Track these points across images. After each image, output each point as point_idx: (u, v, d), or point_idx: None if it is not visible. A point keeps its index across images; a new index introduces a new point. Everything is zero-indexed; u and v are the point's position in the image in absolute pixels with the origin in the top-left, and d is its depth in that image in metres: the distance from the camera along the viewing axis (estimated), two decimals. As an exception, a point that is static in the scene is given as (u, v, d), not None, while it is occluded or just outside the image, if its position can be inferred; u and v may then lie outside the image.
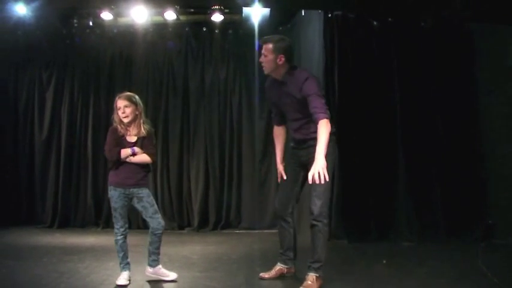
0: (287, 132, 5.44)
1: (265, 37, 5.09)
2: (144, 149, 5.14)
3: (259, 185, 9.37)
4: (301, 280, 4.94)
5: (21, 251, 7.07)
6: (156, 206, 5.21)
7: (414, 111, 8.06)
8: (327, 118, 4.68)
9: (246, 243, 7.93)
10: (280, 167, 5.31)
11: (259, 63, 5.14)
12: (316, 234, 4.90)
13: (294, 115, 5.05)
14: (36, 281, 5.24)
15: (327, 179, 4.47)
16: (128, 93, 5.26)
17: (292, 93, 4.93)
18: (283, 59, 4.95)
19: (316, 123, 4.69)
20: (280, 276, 5.26)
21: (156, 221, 5.14)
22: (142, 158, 5.13)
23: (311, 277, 4.86)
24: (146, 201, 5.13)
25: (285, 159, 5.38)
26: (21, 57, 9.73)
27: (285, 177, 5.25)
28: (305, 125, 4.98)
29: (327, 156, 4.59)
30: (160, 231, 5.15)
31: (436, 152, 8.05)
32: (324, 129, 4.63)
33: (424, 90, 8.11)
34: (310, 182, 4.51)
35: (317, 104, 4.74)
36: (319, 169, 4.42)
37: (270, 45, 4.95)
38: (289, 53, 5.02)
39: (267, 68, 5.03)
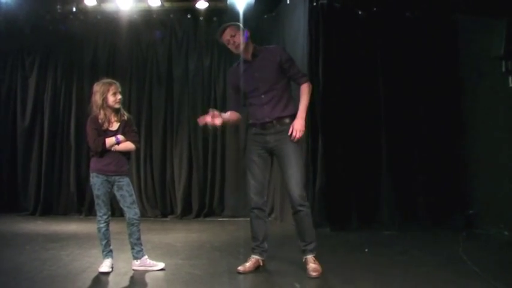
0: (250, 115, 5.28)
1: (222, 26, 5.13)
2: (127, 137, 5.12)
3: (242, 173, 9.36)
4: (270, 272, 5.05)
5: (3, 239, 7.04)
6: (134, 196, 5.18)
7: (398, 101, 8.10)
8: (308, 81, 5.08)
9: (229, 231, 7.96)
10: (225, 116, 5.17)
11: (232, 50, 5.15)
12: (302, 218, 4.96)
13: (265, 88, 5.01)
14: (19, 268, 5.21)
15: (299, 142, 4.95)
16: (108, 79, 5.25)
17: (271, 59, 5.03)
18: (247, 31, 5.09)
19: (299, 85, 5.08)
20: (260, 270, 5.13)
21: (133, 211, 5.12)
22: (127, 145, 5.12)
23: (311, 259, 4.95)
24: (126, 190, 5.11)
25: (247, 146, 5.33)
26: (3, 42, 9.62)
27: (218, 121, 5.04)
28: (276, 97, 4.99)
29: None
30: (137, 222, 5.13)
31: (418, 143, 8.11)
32: (307, 92, 5.03)
33: (408, 80, 8.15)
34: (294, 138, 4.88)
35: (298, 69, 5.15)
36: (300, 128, 4.88)
37: (232, 27, 5.06)
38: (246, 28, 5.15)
39: (240, 45, 5.03)
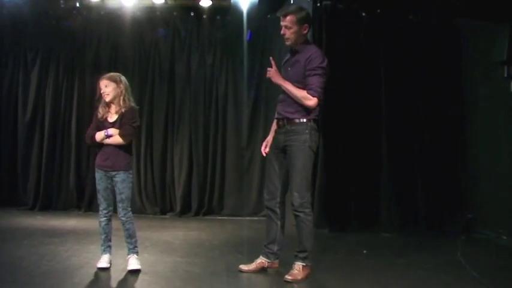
0: None
1: (284, 9, 5.01)
2: (121, 129, 5.07)
3: (242, 172, 9.37)
4: (267, 272, 5.01)
5: (2, 233, 7.03)
6: (125, 195, 5.05)
7: (399, 104, 8.10)
8: (315, 97, 4.80)
9: (227, 229, 7.96)
10: (268, 138, 5.25)
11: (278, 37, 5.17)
12: (299, 224, 4.89)
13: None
14: (17, 263, 5.22)
15: (271, 76, 4.93)
16: (111, 73, 5.27)
17: (301, 61, 4.91)
18: (307, 28, 4.96)
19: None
20: (262, 271, 5.09)
21: (119, 209, 5.06)
22: (115, 139, 5.04)
23: (297, 266, 4.85)
24: (118, 187, 5.05)
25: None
26: (6, 37, 9.60)
27: (266, 150, 5.21)
28: (292, 99, 4.90)
29: (302, 147, 4.83)
30: (123, 220, 5.05)
31: (419, 146, 8.10)
32: (302, 93, 4.83)
33: (410, 83, 8.15)
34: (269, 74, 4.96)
35: (313, 81, 4.82)
36: (274, 74, 4.94)
37: (294, 17, 4.88)
38: (311, 22, 5.07)
39: (291, 39, 4.95)
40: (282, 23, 4.94)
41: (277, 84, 4.97)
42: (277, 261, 5.18)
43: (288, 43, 5.02)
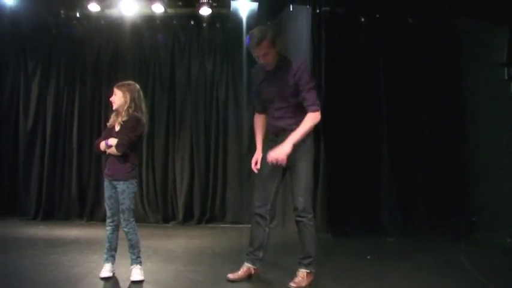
0: (267, 122, 5.29)
1: (254, 38, 4.77)
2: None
3: (244, 179, 9.36)
4: (270, 280, 4.99)
5: (5, 243, 7.04)
6: (125, 206, 5.01)
7: (399, 107, 8.11)
8: (317, 111, 4.81)
9: (230, 237, 7.95)
10: (257, 155, 5.22)
11: (254, 60, 5.03)
12: (302, 230, 4.89)
13: (279, 104, 4.95)
14: (21, 273, 5.24)
15: (282, 164, 4.72)
16: (123, 82, 5.26)
17: (285, 79, 4.85)
18: (278, 45, 4.85)
19: (306, 112, 4.81)
20: (248, 277, 5.09)
21: (121, 220, 5.06)
22: (112, 149, 5.04)
23: (302, 273, 4.85)
24: (119, 198, 5.04)
25: (263, 151, 5.22)
26: (7, 46, 9.62)
27: (258, 166, 5.18)
28: (289, 113, 4.91)
29: (306, 149, 4.86)
30: (125, 230, 5.03)
31: (420, 149, 8.11)
32: (309, 121, 4.79)
33: (410, 86, 8.16)
34: (268, 160, 4.76)
35: (310, 96, 4.81)
36: (279, 154, 4.66)
37: (267, 41, 4.75)
38: (280, 37, 4.96)
39: (272, 62, 4.89)
40: (258, 53, 4.82)
41: (289, 151, 4.72)
42: (259, 267, 5.17)
43: (270, 67, 4.94)
